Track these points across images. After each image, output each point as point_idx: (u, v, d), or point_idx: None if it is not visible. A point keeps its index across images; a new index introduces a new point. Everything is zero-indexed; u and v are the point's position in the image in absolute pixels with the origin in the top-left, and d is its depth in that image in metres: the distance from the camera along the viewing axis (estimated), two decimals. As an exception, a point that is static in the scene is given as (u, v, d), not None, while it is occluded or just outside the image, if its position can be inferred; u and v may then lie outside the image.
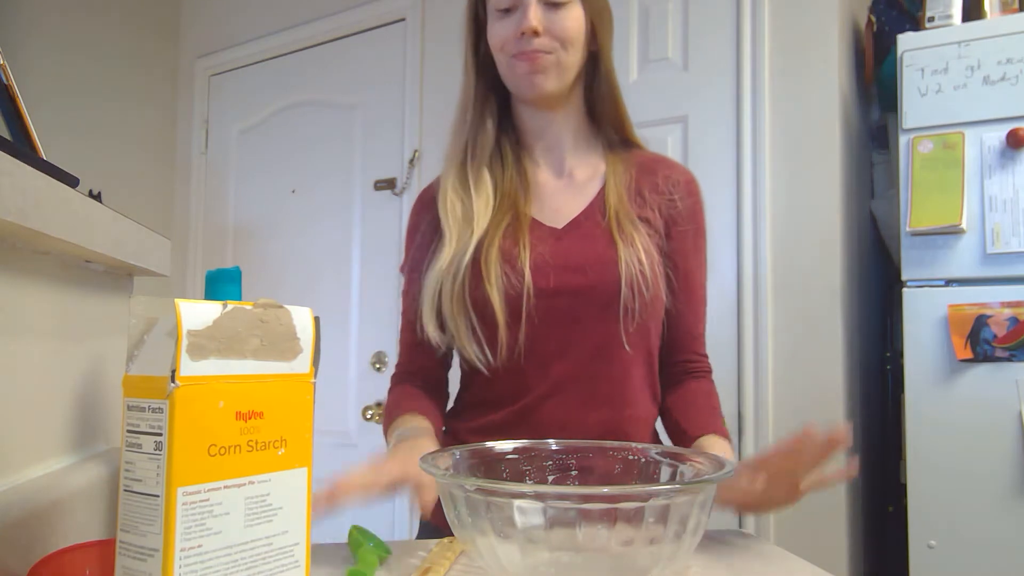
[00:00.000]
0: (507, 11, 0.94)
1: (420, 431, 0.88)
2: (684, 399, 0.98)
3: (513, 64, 0.94)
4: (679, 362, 1.00)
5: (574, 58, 0.95)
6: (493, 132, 1.00)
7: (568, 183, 1.00)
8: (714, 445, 0.88)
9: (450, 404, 1.05)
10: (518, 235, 0.94)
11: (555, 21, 0.92)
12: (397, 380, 1.04)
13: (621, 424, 0.93)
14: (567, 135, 1.01)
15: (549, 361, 0.91)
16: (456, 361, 1.01)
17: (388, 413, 0.98)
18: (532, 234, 0.94)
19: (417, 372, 1.02)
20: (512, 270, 0.91)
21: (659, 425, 1.01)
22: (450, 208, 0.96)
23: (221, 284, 0.56)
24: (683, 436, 0.93)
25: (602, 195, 0.98)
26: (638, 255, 0.91)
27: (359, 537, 0.70)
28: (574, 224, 0.96)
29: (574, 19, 0.94)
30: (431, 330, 0.93)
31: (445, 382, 1.05)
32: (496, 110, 1.01)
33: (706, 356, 1.02)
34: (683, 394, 0.98)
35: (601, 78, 1.00)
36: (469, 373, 0.98)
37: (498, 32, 0.94)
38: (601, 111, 1.03)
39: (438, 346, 0.95)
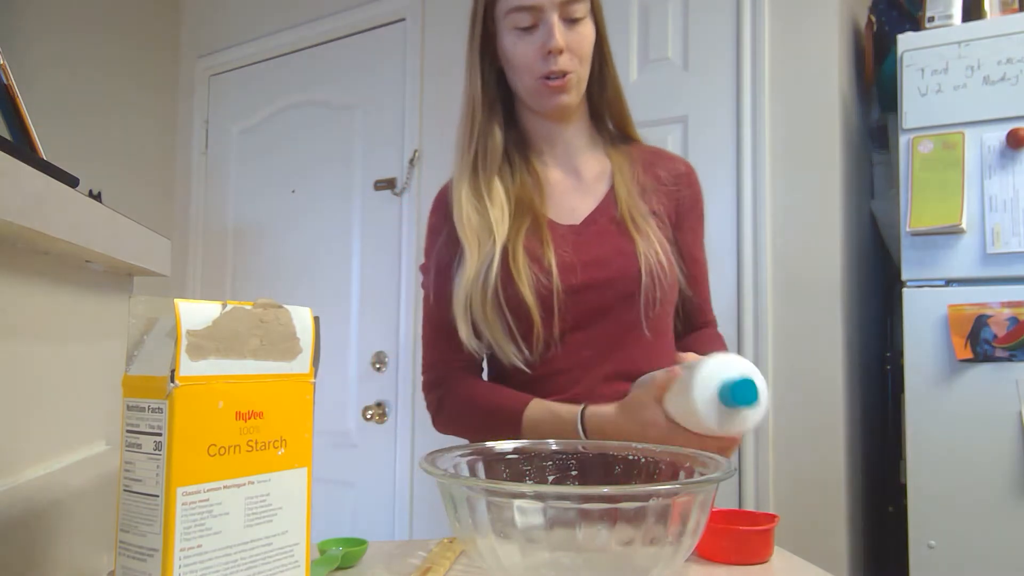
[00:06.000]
0: (527, 29, 0.96)
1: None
2: (697, 339, 1.07)
3: (539, 86, 0.97)
4: (694, 325, 1.09)
5: (587, 72, 1.00)
6: (502, 141, 1.03)
7: (578, 182, 1.05)
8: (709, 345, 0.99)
9: None
10: (540, 235, 0.98)
11: (574, 38, 0.96)
12: (444, 376, 1.03)
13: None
14: (576, 139, 1.06)
15: (577, 348, 0.96)
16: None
17: (486, 403, 0.98)
18: (553, 233, 0.98)
19: (462, 365, 1.03)
20: (540, 270, 0.95)
21: None
22: (466, 220, 0.98)
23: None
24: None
25: (612, 193, 1.02)
26: (654, 247, 0.97)
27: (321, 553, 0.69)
28: (589, 221, 1.01)
29: (589, 34, 0.98)
30: (467, 339, 0.96)
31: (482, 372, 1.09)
32: (502, 118, 1.04)
33: (713, 315, 1.12)
34: (696, 336, 1.08)
35: (608, 83, 1.05)
36: (499, 369, 1.01)
37: (521, 50, 0.97)
38: (606, 113, 1.08)
39: (476, 352, 0.98)
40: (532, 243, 0.97)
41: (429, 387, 1.05)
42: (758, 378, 0.72)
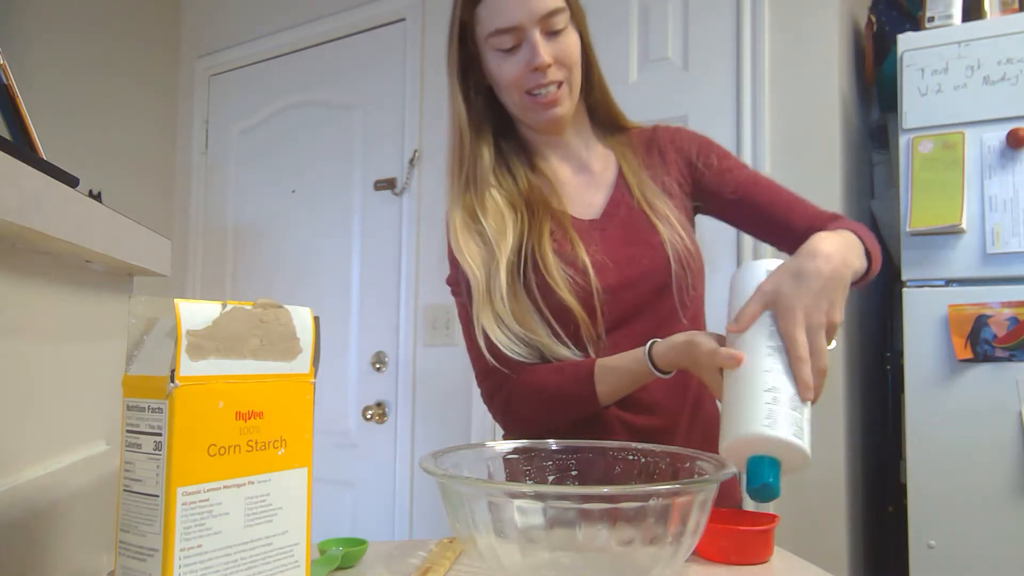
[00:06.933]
0: (510, 50, 0.95)
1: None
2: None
3: (528, 102, 0.97)
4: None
5: (578, 77, 0.99)
6: (490, 163, 1.02)
7: (588, 177, 1.04)
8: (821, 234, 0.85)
9: None
10: (568, 235, 0.96)
11: (559, 49, 0.95)
12: (502, 379, 0.95)
13: (687, 387, 0.98)
14: (575, 140, 1.06)
15: (617, 344, 0.94)
16: None
17: (554, 389, 0.92)
18: (577, 229, 0.97)
19: (516, 364, 0.96)
20: (576, 271, 0.94)
21: None
22: (465, 247, 0.95)
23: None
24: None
25: (622, 180, 1.02)
26: (677, 231, 0.97)
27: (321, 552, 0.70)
28: (608, 213, 1.00)
29: (573, 42, 0.97)
30: (518, 351, 0.92)
31: None
32: (492, 138, 1.03)
33: (830, 212, 1.01)
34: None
35: (595, 85, 1.04)
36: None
37: (507, 71, 0.96)
38: (596, 110, 1.08)
39: (527, 358, 0.94)
40: (561, 245, 0.96)
41: (489, 396, 0.99)
42: (794, 463, 0.65)
